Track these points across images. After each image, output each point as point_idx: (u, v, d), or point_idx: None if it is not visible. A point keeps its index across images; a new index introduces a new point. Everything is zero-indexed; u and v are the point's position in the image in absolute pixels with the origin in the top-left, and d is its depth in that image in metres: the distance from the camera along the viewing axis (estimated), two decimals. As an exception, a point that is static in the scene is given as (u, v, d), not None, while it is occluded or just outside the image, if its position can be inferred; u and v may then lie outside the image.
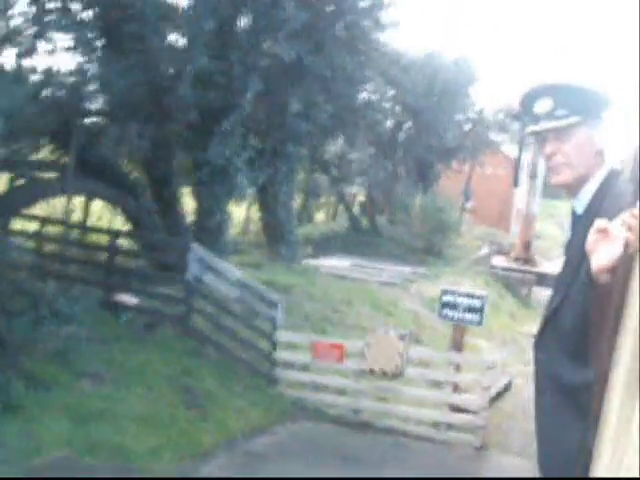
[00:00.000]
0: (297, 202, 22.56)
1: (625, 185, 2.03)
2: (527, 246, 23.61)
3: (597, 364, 1.58)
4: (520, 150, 19.15)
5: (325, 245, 18.09)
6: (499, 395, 9.74)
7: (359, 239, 18.41)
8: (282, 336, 8.54)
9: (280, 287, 11.58)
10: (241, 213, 18.01)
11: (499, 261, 23.66)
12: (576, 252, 1.99)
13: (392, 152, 19.43)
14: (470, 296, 8.46)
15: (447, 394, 8.12)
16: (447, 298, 8.38)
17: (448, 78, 18.89)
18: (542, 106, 2.21)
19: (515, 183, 18.68)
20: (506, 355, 12.18)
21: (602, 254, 1.66)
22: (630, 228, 1.57)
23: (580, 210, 2.20)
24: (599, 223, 1.69)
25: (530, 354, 2.34)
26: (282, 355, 8.53)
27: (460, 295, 8.45)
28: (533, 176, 23.40)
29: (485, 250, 23.09)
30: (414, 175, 21.07)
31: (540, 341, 2.25)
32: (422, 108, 18.25)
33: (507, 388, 10.30)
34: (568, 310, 2.08)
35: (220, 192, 11.51)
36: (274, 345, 8.50)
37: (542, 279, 22.69)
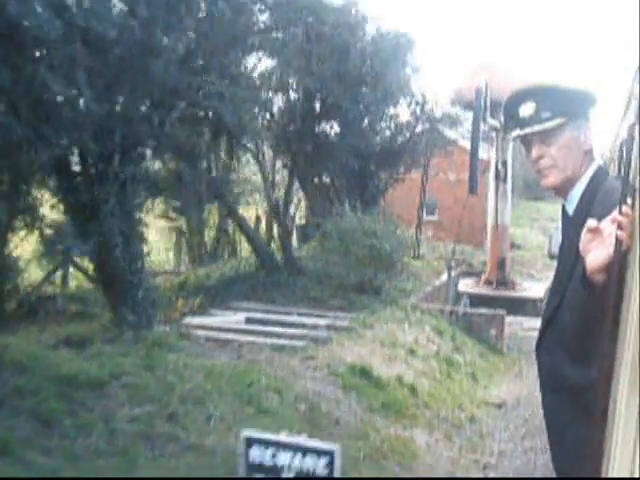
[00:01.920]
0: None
1: (614, 182, 2.11)
2: (501, 265, 19.09)
3: (599, 362, 1.61)
4: (474, 146, 14.73)
5: (225, 292, 13.57)
6: None
7: (271, 279, 13.89)
8: None
9: (93, 381, 7.15)
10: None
11: (467, 286, 19.12)
12: (570, 253, 2.08)
13: (301, 157, 14.81)
14: (304, 450, 3.88)
15: None
16: (255, 454, 3.80)
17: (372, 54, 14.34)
18: (526, 110, 2.24)
19: (471, 189, 14.18)
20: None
21: (595, 254, 1.75)
22: (621, 226, 1.63)
23: (571, 211, 2.24)
24: (590, 223, 1.78)
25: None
26: None
27: (284, 447, 3.87)
28: (500, 178, 18.97)
29: (451, 273, 18.56)
30: (345, 189, 16.52)
31: (541, 343, 2.32)
32: (334, 95, 13.68)
33: None
34: (566, 311, 2.14)
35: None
36: None
37: (521, 306, 18.19)
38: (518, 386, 11.70)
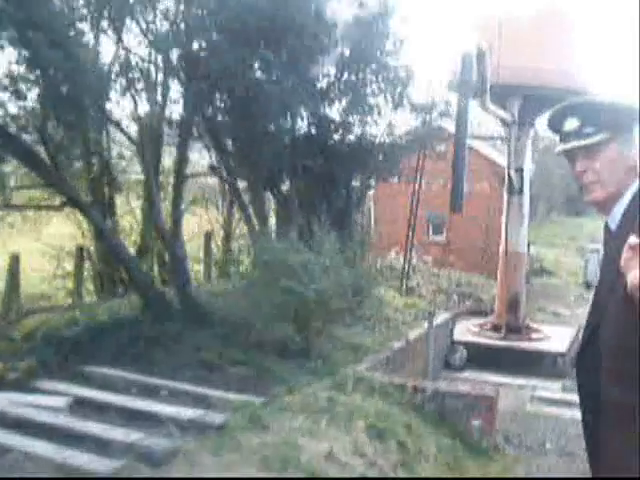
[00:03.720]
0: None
1: None
2: (512, 304, 14.49)
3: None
4: (459, 144, 10.13)
5: (90, 347, 9.32)
6: None
7: (158, 330, 9.60)
8: None
9: None
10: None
11: (467, 332, 14.55)
12: (611, 270, 2.04)
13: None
14: None
15: None
16: None
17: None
18: (570, 124, 2.24)
19: (453, 205, 9.75)
20: None
21: (637, 272, 1.73)
22: None
23: (614, 227, 2.23)
24: (632, 240, 1.78)
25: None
26: None
27: None
28: (514, 189, 14.41)
29: (444, 316, 14.03)
30: (295, 202, 12.11)
31: (580, 361, 2.28)
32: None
33: None
34: (606, 329, 2.11)
35: None
36: None
37: (536, 362, 13.55)
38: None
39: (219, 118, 10.32)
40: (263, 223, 11.70)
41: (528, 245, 18.58)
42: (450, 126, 20.01)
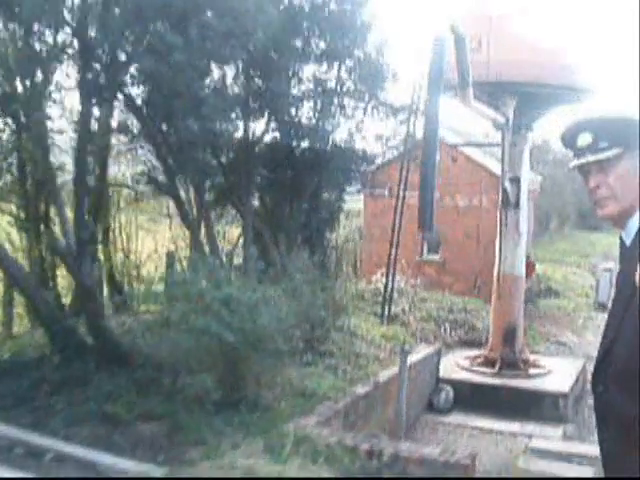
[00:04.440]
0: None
1: None
2: (508, 335, 12.69)
3: None
4: (428, 149, 8.28)
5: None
6: None
7: (65, 373, 7.90)
8: None
9: None
10: None
11: (456, 366, 12.76)
12: (627, 285, 2.07)
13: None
14: None
15: None
16: None
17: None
18: (583, 140, 2.26)
19: (421, 223, 8.00)
20: None
21: None
22: None
23: (629, 241, 2.24)
24: None
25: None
26: None
27: None
28: (510, 203, 12.66)
29: (428, 349, 12.26)
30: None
31: (597, 376, 2.28)
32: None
33: None
34: (622, 345, 2.13)
35: None
36: None
37: (535, 403, 11.73)
38: None
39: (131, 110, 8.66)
40: (212, 243, 9.99)
41: (532, 264, 16.84)
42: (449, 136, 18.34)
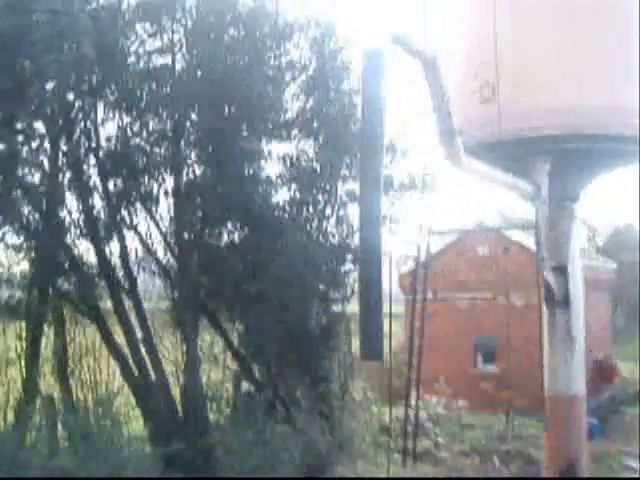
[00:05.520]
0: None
1: None
2: (567, 473, 9.55)
3: None
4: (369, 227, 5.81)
5: None
6: None
7: None
8: None
9: None
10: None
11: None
12: None
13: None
14: None
15: None
16: None
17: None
18: None
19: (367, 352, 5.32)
20: None
21: None
22: None
23: None
24: None
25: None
26: None
27: None
28: (554, 300, 9.80)
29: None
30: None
31: None
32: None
33: None
34: None
35: None
36: None
37: None
38: None
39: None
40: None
41: (613, 367, 13.68)
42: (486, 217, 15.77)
